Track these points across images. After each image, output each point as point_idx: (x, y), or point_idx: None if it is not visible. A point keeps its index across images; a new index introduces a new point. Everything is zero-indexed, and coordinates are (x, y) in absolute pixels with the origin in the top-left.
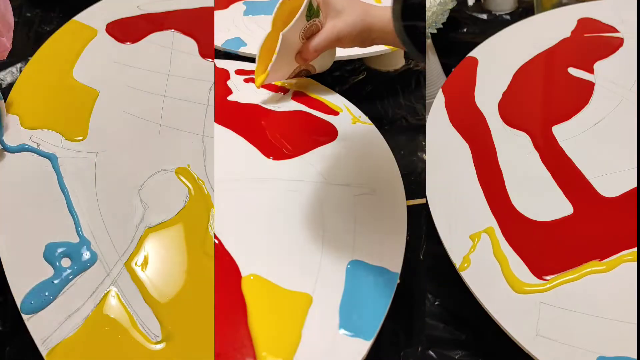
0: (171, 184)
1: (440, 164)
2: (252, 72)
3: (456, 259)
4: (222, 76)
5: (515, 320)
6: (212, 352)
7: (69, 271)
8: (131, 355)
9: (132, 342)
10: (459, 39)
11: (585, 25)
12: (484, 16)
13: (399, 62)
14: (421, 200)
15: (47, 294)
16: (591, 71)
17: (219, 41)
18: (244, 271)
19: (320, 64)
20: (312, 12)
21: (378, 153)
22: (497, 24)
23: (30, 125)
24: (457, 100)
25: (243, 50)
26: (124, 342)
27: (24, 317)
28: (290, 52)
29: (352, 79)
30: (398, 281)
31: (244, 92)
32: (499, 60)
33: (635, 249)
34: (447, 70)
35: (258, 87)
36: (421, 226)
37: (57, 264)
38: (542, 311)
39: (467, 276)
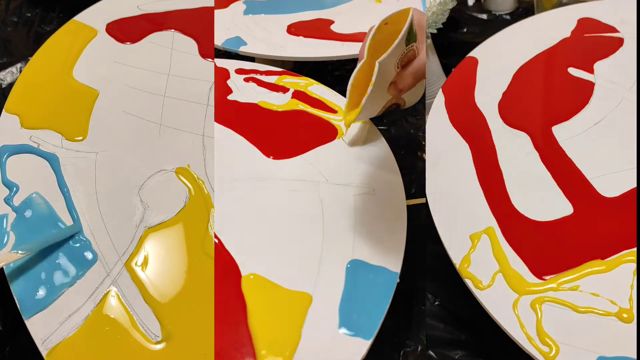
0: (171, 184)
1: (440, 164)
2: (252, 71)
3: (456, 258)
4: (222, 75)
5: (515, 320)
6: (212, 352)
7: (69, 271)
8: (131, 355)
9: (132, 342)
10: (459, 39)
11: (585, 25)
12: (484, 16)
13: None
14: (421, 200)
15: (46, 294)
16: (591, 71)
17: (219, 40)
18: (244, 271)
19: (412, 96)
20: (411, 37)
21: (378, 153)
22: (497, 23)
23: (30, 125)
24: (457, 100)
25: (243, 49)
26: (124, 342)
27: (24, 317)
28: (384, 83)
29: None
30: (398, 281)
31: (244, 92)
32: (499, 60)
33: (635, 249)
34: (447, 70)
35: (347, 126)
36: (421, 226)
37: (58, 263)
38: (542, 311)
39: (467, 275)
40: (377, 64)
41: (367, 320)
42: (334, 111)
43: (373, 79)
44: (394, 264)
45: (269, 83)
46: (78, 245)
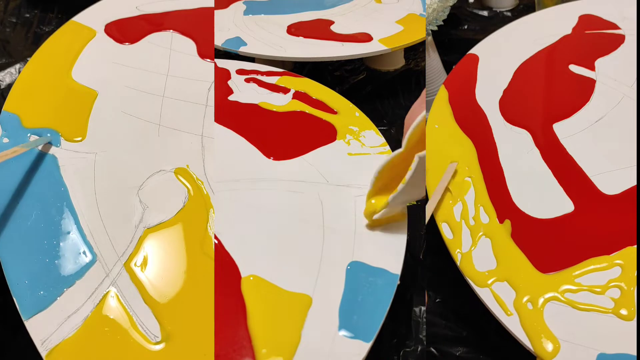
0: (170, 185)
1: (440, 161)
2: (253, 72)
3: (457, 256)
4: (223, 76)
5: (515, 316)
6: (212, 353)
7: (68, 272)
8: (130, 356)
9: (131, 343)
10: (460, 36)
11: (587, 21)
12: (485, 13)
13: (399, 62)
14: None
15: (46, 294)
16: (592, 68)
17: (218, 40)
18: (244, 272)
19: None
20: None
21: (378, 153)
22: (498, 20)
23: (29, 125)
24: (458, 98)
25: (243, 49)
26: (124, 342)
27: (23, 318)
28: (417, 182)
29: (352, 79)
30: (398, 282)
31: (244, 92)
32: (499, 57)
33: (635, 246)
34: (447, 68)
35: (368, 217)
36: (421, 226)
37: (57, 264)
38: (543, 308)
39: (468, 272)
40: (416, 157)
41: (367, 322)
42: (334, 112)
43: (408, 175)
44: (395, 266)
45: (269, 84)
46: (77, 246)
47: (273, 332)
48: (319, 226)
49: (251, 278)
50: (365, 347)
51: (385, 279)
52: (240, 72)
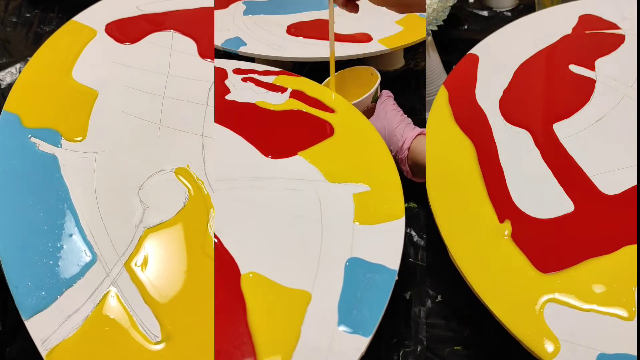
0: (170, 184)
1: (440, 162)
2: (250, 71)
3: (457, 256)
4: (220, 75)
5: (516, 316)
6: (212, 353)
7: (68, 272)
8: (131, 355)
9: (131, 343)
10: (460, 36)
11: (587, 21)
12: (485, 13)
13: (399, 62)
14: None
15: (46, 294)
16: (592, 68)
17: (218, 40)
18: (243, 269)
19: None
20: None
21: (377, 151)
22: (498, 20)
23: (29, 125)
24: (458, 98)
25: (243, 49)
26: (124, 342)
27: (23, 318)
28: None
29: None
30: (396, 278)
31: (242, 91)
32: (499, 57)
33: (635, 245)
34: (447, 68)
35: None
36: (421, 225)
37: (57, 264)
38: (543, 308)
39: (469, 273)
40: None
41: (366, 317)
42: (331, 110)
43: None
44: (393, 262)
45: (267, 83)
46: (78, 245)
47: (273, 328)
48: (317, 223)
49: (251, 275)
50: (364, 341)
51: (383, 275)
52: (237, 71)
